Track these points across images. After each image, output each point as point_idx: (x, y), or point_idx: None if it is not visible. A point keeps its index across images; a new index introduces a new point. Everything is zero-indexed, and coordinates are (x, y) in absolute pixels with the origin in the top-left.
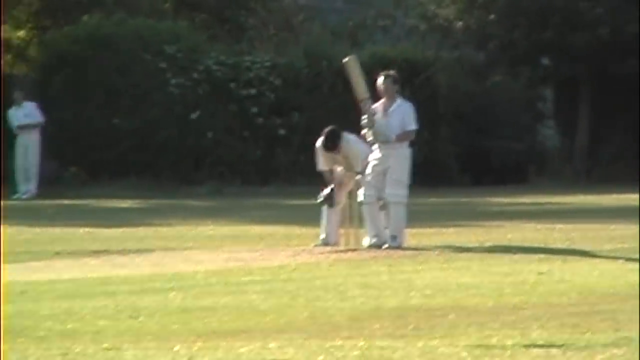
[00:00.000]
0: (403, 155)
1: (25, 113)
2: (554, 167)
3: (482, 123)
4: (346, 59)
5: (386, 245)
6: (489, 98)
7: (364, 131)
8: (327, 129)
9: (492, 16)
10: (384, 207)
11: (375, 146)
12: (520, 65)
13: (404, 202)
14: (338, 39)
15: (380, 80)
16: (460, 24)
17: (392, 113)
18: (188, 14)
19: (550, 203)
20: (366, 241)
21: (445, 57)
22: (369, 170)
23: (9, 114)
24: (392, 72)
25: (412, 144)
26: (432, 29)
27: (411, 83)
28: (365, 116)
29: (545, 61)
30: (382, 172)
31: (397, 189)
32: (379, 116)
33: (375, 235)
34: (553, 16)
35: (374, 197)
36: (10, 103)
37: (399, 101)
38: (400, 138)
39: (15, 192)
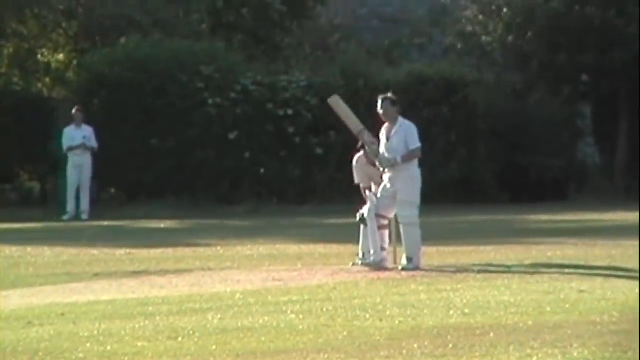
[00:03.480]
0: (410, 176)
1: (84, 135)
2: (593, 184)
3: (520, 140)
4: (329, 99)
5: (401, 267)
6: (527, 115)
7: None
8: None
9: (530, 35)
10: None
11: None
12: (561, 83)
13: (415, 222)
14: (374, 58)
15: (379, 104)
16: (498, 44)
17: (395, 135)
18: (224, 34)
19: (591, 220)
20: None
21: (483, 78)
22: (380, 190)
23: (65, 132)
24: (389, 94)
25: (445, 162)
26: (470, 49)
27: (449, 101)
28: (366, 148)
29: (584, 78)
30: (392, 193)
31: (407, 211)
32: (383, 140)
33: (371, 252)
34: (592, 34)
35: (373, 213)
36: (49, 127)
37: (400, 121)
38: (406, 158)
39: (64, 212)
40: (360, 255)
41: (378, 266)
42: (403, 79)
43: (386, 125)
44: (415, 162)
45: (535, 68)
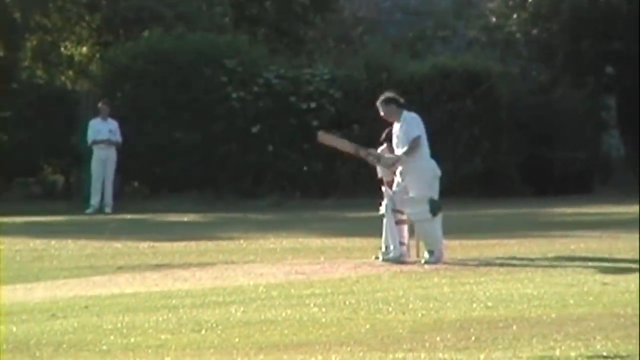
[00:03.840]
0: (417, 170)
1: (110, 129)
2: (618, 177)
3: (544, 133)
4: (319, 137)
5: (423, 261)
6: (551, 108)
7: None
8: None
9: (555, 27)
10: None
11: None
12: (586, 75)
13: (427, 218)
14: (397, 51)
15: (379, 109)
16: (522, 36)
17: (400, 130)
18: (247, 28)
19: (615, 213)
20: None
21: (507, 71)
22: (394, 185)
23: (91, 124)
24: (383, 95)
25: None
26: (494, 41)
27: (472, 94)
28: (370, 159)
29: (610, 70)
30: (404, 187)
31: (415, 208)
32: (394, 140)
33: (390, 248)
34: (617, 26)
35: (390, 208)
36: (73, 120)
37: (404, 115)
38: (408, 151)
39: (88, 206)
40: (383, 249)
41: (398, 261)
42: (427, 72)
43: (394, 125)
44: (423, 155)
45: (559, 60)
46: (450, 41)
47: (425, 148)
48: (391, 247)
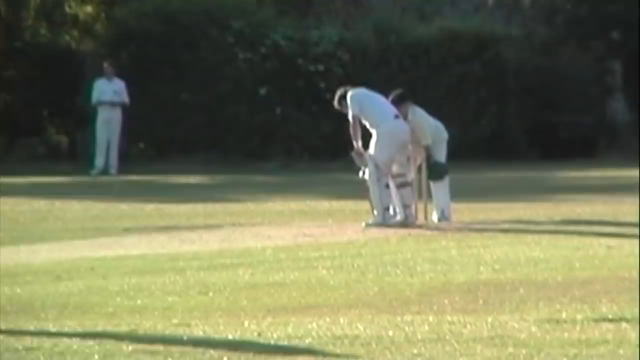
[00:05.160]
0: (376, 134)
1: (114, 90)
2: (623, 141)
3: (550, 97)
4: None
5: (364, 224)
6: (557, 72)
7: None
8: (394, 92)
9: None
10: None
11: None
12: (590, 39)
13: (374, 180)
14: (406, 13)
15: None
16: None
17: None
18: None
19: (620, 177)
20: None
21: (514, 34)
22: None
23: (96, 85)
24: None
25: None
26: (501, 4)
27: (480, 58)
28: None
29: (614, 35)
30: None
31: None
32: None
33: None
34: None
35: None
36: (77, 80)
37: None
38: (351, 130)
39: (93, 167)
40: (391, 212)
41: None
42: (435, 35)
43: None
44: (383, 121)
45: (561, 23)
46: (458, 4)
47: (379, 114)
48: (391, 210)
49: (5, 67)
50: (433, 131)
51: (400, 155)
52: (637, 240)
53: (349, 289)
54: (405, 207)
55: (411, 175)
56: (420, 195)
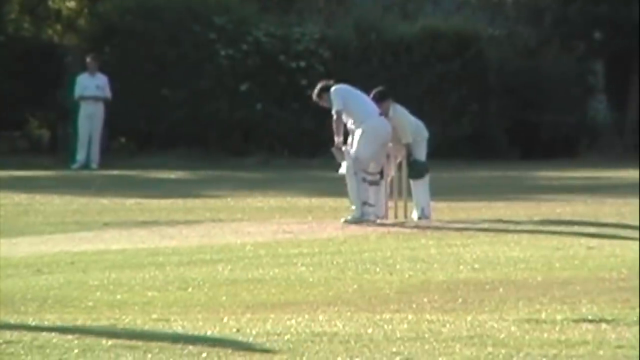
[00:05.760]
0: (359, 131)
1: (97, 84)
2: (604, 142)
3: (531, 97)
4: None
5: (343, 220)
6: (539, 72)
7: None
8: (376, 89)
9: None
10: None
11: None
12: (574, 40)
13: (350, 173)
14: (388, 11)
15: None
16: None
17: None
18: None
19: (601, 177)
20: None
21: (496, 34)
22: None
23: (78, 79)
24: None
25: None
26: (483, 4)
27: (462, 57)
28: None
29: (597, 35)
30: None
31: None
32: None
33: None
34: None
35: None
36: (60, 74)
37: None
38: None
39: (74, 161)
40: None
41: (360, 221)
42: (416, 33)
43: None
44: (368, 118)
45: (547, 24)
46: (441, 3)
47: (363, 111)
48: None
49: None
50: (414, 129)
51: (381, 153)
52: (618, 241)
53: (328, 286)
54: (365, 204)
55: (391, 173)
56: (400, 194)
